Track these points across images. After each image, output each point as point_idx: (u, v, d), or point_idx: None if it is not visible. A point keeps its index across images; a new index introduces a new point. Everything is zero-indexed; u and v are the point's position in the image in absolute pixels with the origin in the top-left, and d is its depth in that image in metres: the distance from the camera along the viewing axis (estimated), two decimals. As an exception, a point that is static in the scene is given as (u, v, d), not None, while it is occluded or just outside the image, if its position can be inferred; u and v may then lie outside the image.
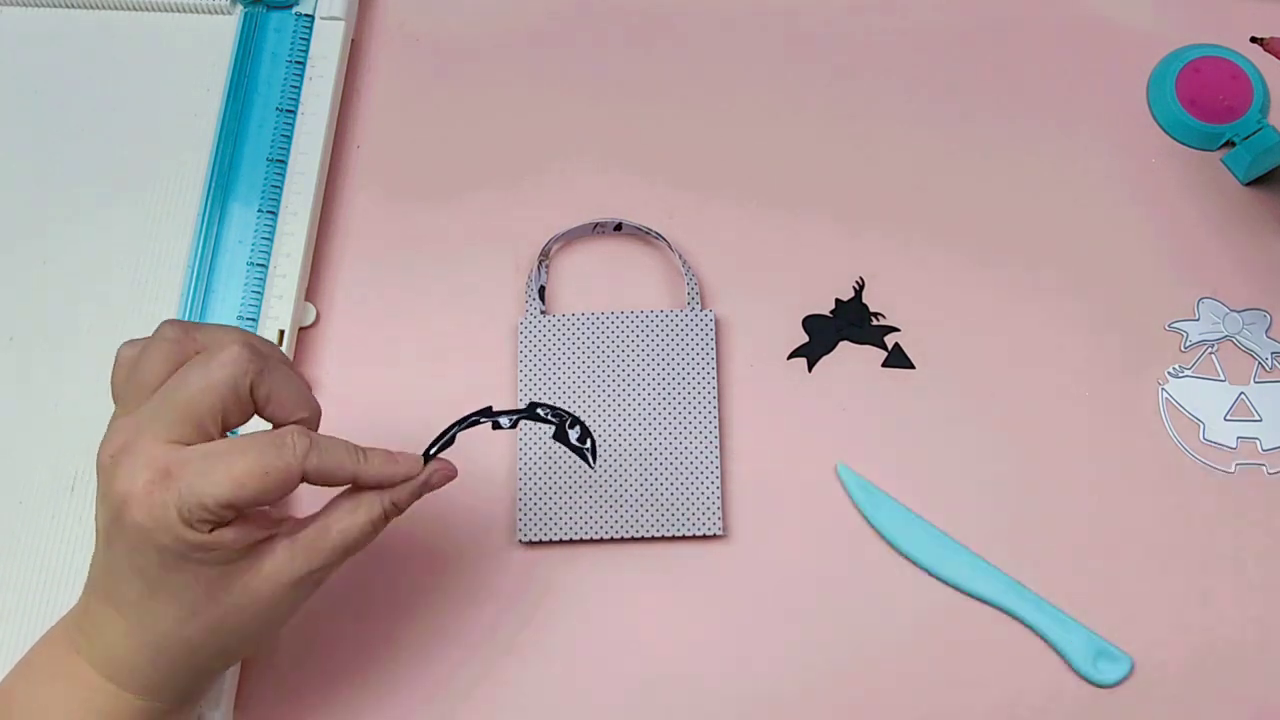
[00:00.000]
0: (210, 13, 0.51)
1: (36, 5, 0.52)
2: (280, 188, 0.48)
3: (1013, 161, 0.50)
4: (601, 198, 0.50)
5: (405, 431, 0.46)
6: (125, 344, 0.34)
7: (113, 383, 0.34)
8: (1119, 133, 0.51)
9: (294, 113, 0.49)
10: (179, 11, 0.52)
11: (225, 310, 0.46)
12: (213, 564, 0.32)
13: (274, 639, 0.35)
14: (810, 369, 0.47)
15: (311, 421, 0.35)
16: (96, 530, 0.34)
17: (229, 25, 0.51)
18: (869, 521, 0.45)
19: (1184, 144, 0.50)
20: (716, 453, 0.45)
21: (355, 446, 0.34)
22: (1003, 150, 0.50)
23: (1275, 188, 0.49)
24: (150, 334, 0.34)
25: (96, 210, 0.49)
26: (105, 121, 0.50)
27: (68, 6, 0.52)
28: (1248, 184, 0.50)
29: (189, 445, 0.31)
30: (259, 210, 0.48)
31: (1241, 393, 0.47)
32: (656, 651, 0.44)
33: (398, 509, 0.35)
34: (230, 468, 0.30)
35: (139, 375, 0.33)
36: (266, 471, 0.31)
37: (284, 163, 0.48)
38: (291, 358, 0.46)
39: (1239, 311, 0.48)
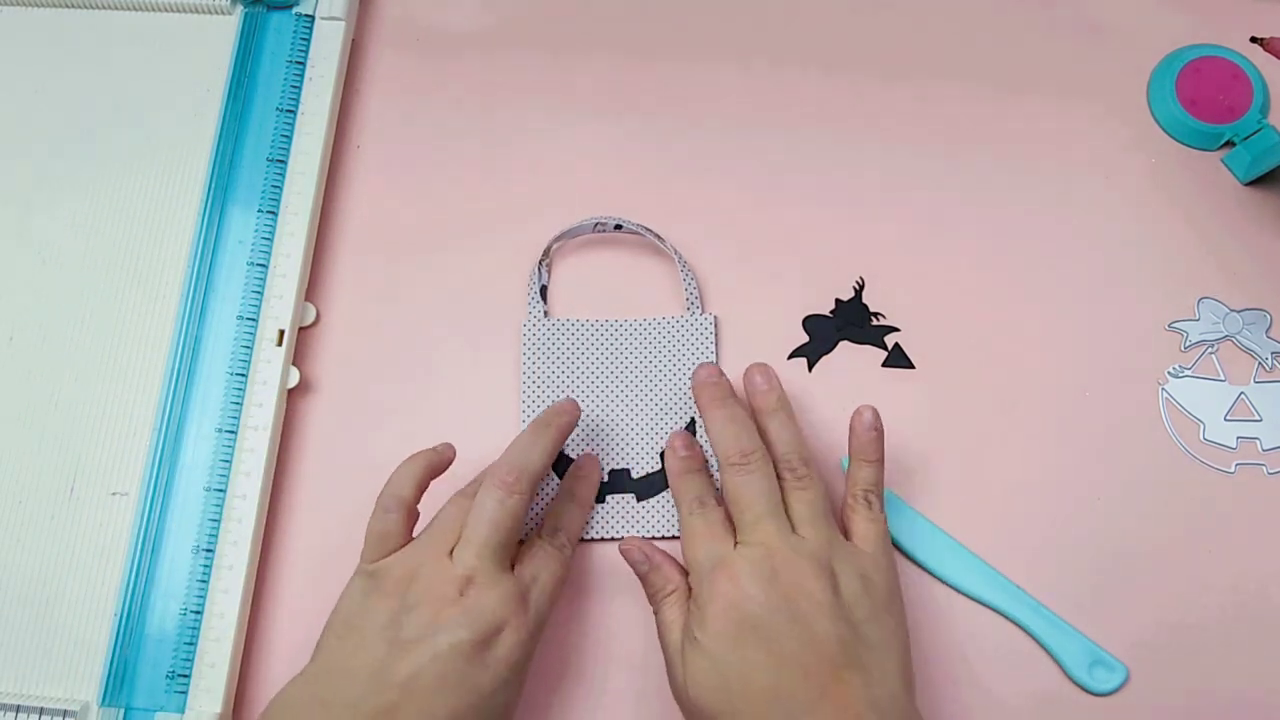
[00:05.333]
0: (210, 13, 0.51)
1: (36, 5, 0.52)
2: (280, 188, 0.48)
3: (1012, 161, 0.50)
4: (602, 197, 0.50)
5: (406, 431, 0.46)
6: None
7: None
8: (1119, 132, 0.51)
9: (294, 113, 0.49)
10: (179, 11, 0.52)
11: (225, 310, 0.46)
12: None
13: None
14: (810, 369, 0.47)
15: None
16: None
17: (229, 25, 0.51)
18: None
19: (1184, 144, 0.50)
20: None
21: (573, 496, 0.44)
22: (1002, 149, 0.50)
23: (1275, 188, 0.49)
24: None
25: (96, 210, 0.49)
26: (105, 121, 0.50)
27: (68, 6, 0.52)
28: (1248, 184, 0.50)
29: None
30: (259, 210, 0.48)
31: (1241, 393, 0.47)
32: (656, 652, 0.44)
33: (573, 545, 0.43)
34: (547, 572, 0.40)
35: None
36: (564, 564, 0.41)
37: (284, 163, 0.48)
38: (291, 357, 0.46)
39: (1239, 311, 0.48)
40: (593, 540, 0.44)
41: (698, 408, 0.43)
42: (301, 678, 0.37)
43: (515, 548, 0.40)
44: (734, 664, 0.36)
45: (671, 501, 0.44)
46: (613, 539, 0.44)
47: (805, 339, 0.48)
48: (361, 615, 0.38)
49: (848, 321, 0.48)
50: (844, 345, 0.48)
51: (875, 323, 0.48)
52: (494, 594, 0.37)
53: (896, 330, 0.48)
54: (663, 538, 0.44)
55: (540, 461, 0.40)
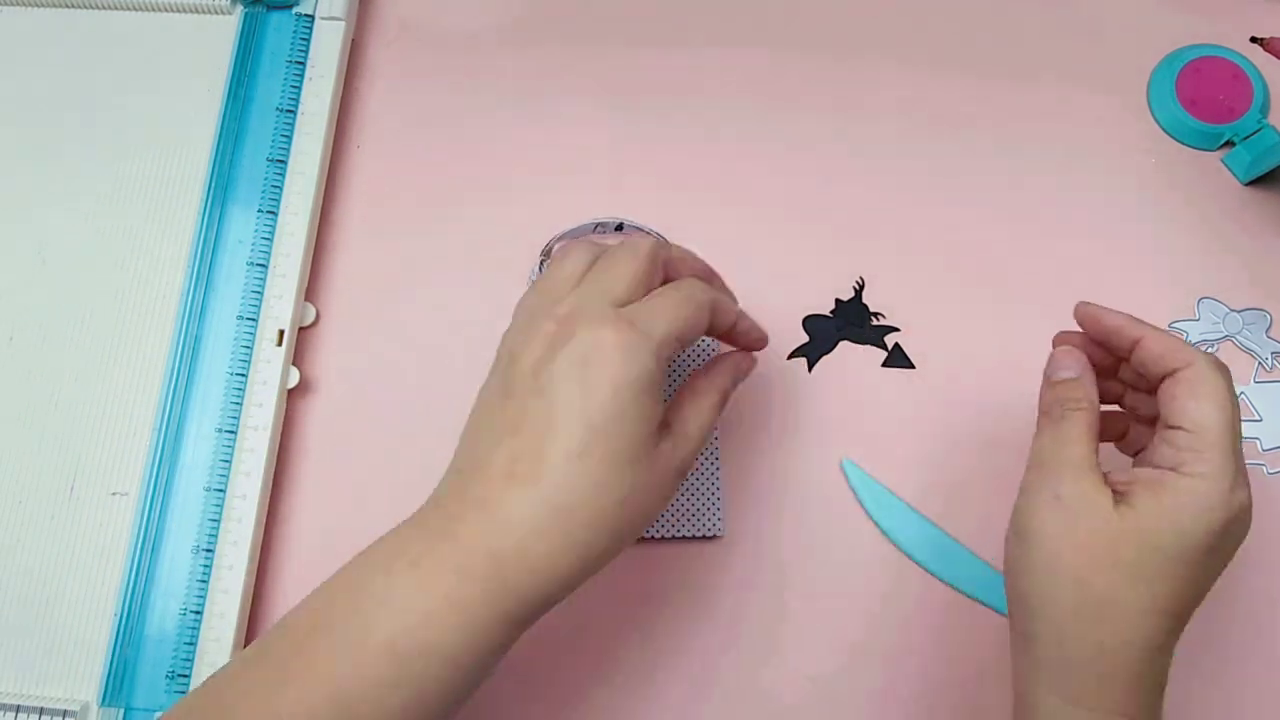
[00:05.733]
0: (210, 13, 0.51)
1: (36, 5, 0.52)
2: (280, 188, 0.48)
3: (1012, 161, 0.50)
4: (602, 197, 0.50)
5: (407, 431, 0.46)
6: (562, 259, 0.37)
7: (542, 286, 0.37)
8: (1119, 133, 0.51)
9: (294, 113, 0.49)
10: (179, 11, 0.52)
11: (225, 310, 0.46)
12: (645, 422, 0.33)
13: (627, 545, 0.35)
14: (810, 369, 0.47)
15: (705, 278, 0.39)
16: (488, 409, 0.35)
17: (229, 25, 0.51)
18: (873, 519, 0.45)
19: (1184, 144, 0.50)
20: (717, 454, 0.45)
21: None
22: (1002, 149, 0.50)
23: (1275, 188, 0.49)
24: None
25: (96, 210, 0.49)
26: (105, 121, 0.50)
27: (68, 6, 0.52)
28: (1248, 184, 0.50)
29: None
30: (259, 210, 0.48)
31: (1241, 393, 0.47)
32: (656, 652, 0.44)
33: (726, 396, 0.39)
34: (666, 309, 0.35)
35: (562, 272, 0.36)
36: (695, 306, 0.35)
37: (284, 163, 0.48)
38: (291, 358, 0.47)
39: (1239, 311, 0.48)
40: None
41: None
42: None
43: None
44: None
45: (671, 502, 0.44)
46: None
47: (805, 339, 0.48)
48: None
49: (848, 321, 0.48)
50: (844, 345, 0.48)
51: (875, 322, 0.48)
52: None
53: (896, 330, 0.48)
54: (662, 538, 0.44)
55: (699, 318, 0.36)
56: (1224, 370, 0.34)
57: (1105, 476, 0.34)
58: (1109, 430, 0.40)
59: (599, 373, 0.32)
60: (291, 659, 0.32)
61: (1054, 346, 0.38)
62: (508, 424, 0.33)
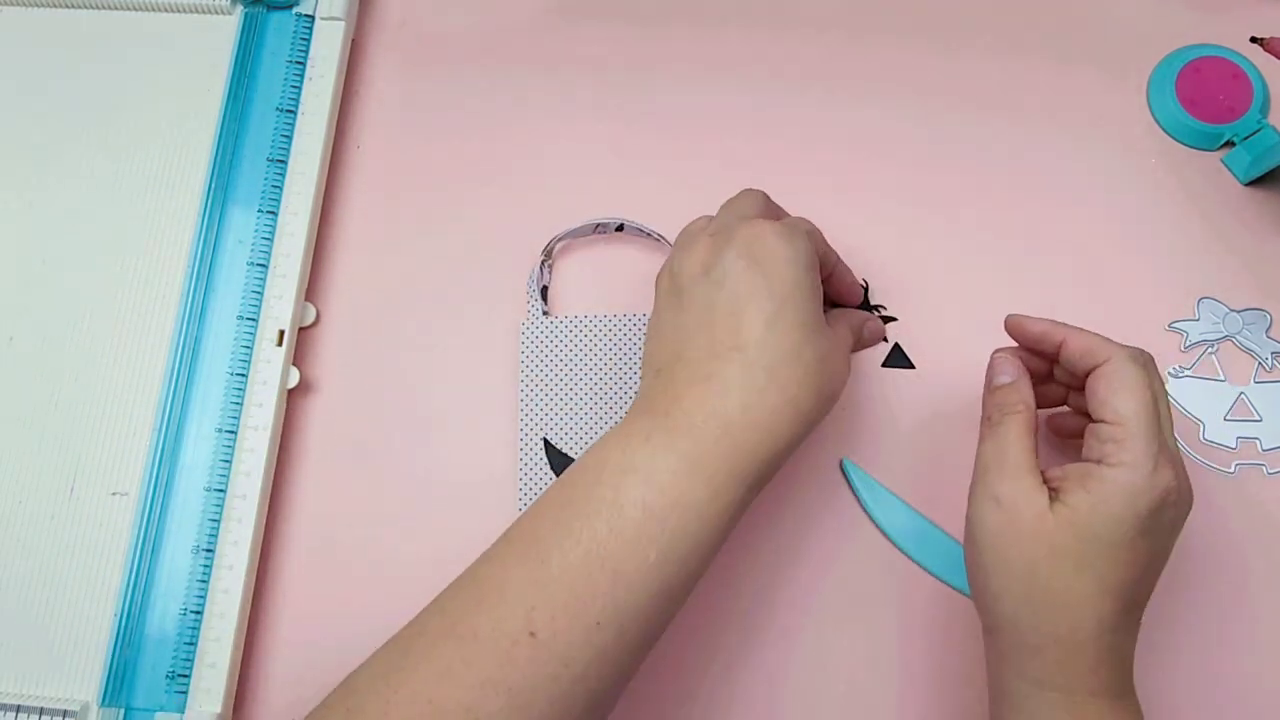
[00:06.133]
0: (210, 13, 0.51)
1: (36, 5, 0.52)
2: (280, 188, 0.48)
3: (1013, 161, 0.50)
4: (603, 198, 0.50)
5: (406, 431, 0.46)
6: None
7: (681, 237, 0.41)
8: (1119, 133, 0.51)
9: (294, 113, 0.49)
10: (179, 11, 0.52)
11: (225, 310, 0.46)
12: (816, 294, 0.38)
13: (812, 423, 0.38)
14: (810, 369, 0.47)
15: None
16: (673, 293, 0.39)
17: (229, 25, 0.51)
18: (873, 519, 0.45)
19: (1184, 144, 0.50)
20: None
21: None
22: (1003, 149, 0.50)
23: (1275, 188, 0.49)
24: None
25: (96, 210, 0.49)
26: (105, 121, 0.50)
27: (68, 6, 0.52)
28: (1248, 184, 0.50)
29: None
30: (259, 210, 0.48)
31: (1241, 393, 0.47)
32: (655, 654, 0.44)
33: (858, 339, 0.45)
34: (797, 221, 0.40)
35: (693, 225, 0.41)
36: (812, 234, 0.40)
37: (284, 163, 0.48)
38: (291, 357, 0.46)
39: (1239, 311, 0.48)
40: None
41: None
42: None
43: None
44: None
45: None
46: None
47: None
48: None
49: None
50: (844, 344, 0.48)
51: (876, 314, 0.48)
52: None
53: (894, 320, 0.48)
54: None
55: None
56: (1143, 359, 0.36)
57: (1043, 474, 0.36)
58: (1067, 429, 0.43)
59: (767, 256, 0.37)
60: (549, 534, 0.34)
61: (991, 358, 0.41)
62: (696, 322, 0.37)
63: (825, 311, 0.40)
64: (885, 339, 0.47)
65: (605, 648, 0.33)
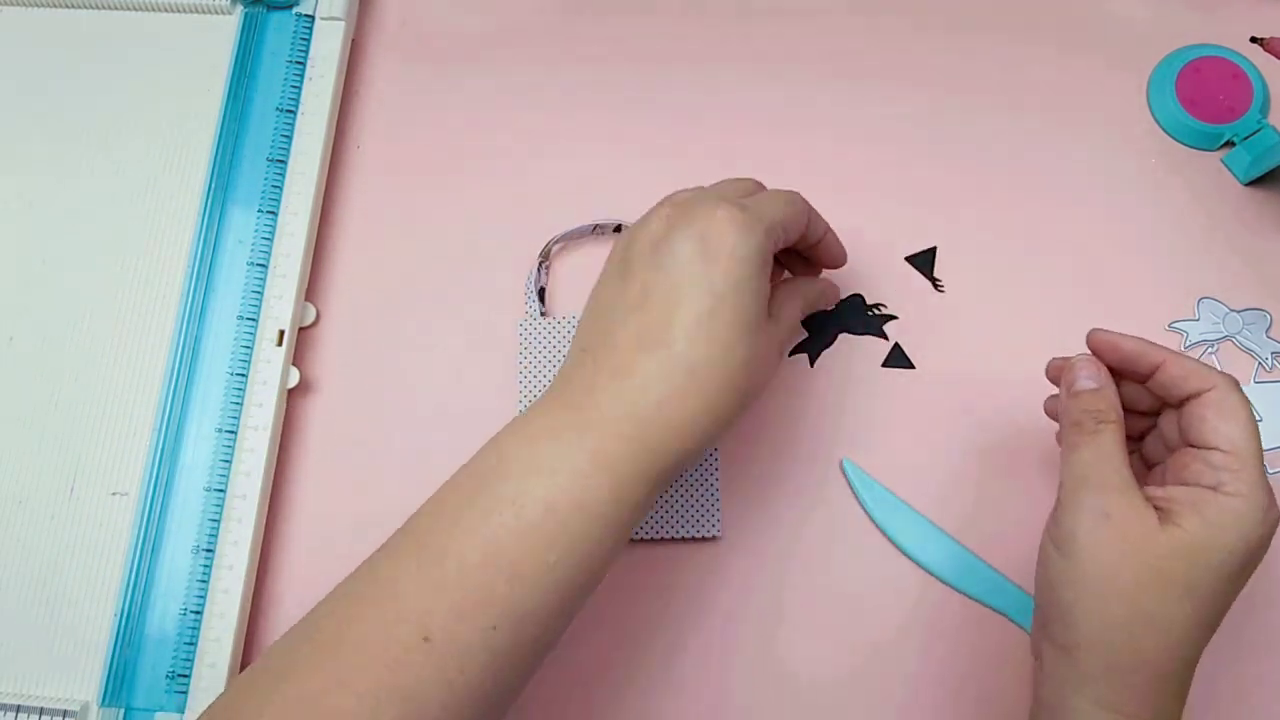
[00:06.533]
0: (210, 13, 0.51)
1: (36, 5, 0.52)
2: (280, 188, 0.48)
3: (1013, 161, 0.50)
4: (603, 198, 0.50)
5: (405, 430, 0.46)
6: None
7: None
8: (1119, 133, 0.51)
9: (294, 113, 0.49)
10: (179, 11, 0.52)
11: (225, 310, 0.46)
12: (760, 295, 0.36)
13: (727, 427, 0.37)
14: (812, 364, 0.47)
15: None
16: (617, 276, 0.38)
17: (229, 25, 0.51)
18: (872, 519, 0.45)
19: (1184, 144, 0.50)
20: (716, 454, 0.45)
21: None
22: (1003, 149, 0.50)
23: (1275, 188, 0.49)
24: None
25: (96, 210, 0.49)
26: (105, 121, 0.50)
27: (68, 6, 0.52)
28: (1248, 184, 0.50)
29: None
30: (259, 210, 0.48)
31: (1241, 393, 0.47)
32: (654, 654, 0.44)
33: (809, 308, 0.43)
34: (774, 202, 0.39)
35: (681, 192, 0.40)
36: (797, 209, 0.39)
37: (284, 163, 0.49)
38: (291, 357, 0.47)
39: (1239, 311, 0.48)
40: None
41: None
42: None
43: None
44: None
45: (669, 502, 0.44)
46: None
47: (804, 337, 0.48)
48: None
49: (847, 316, 0.48)
50: (845, 339, 0.48)
51: (874, 313, 0.48)
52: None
53: (895, 318, 0.48)
54: (661, 539, 0.44)
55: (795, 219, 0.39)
56: (1241, 389, 0.36)
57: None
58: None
59: (717, 246, 0.35)
60: (448, 531, 0.34)
61: (1047, 375, 0.40)
62: (631, 302, 0.36)
63: (778, 286, 0.40)
64: (840, 305, 0.47)
65: (502, 650, 0.32)
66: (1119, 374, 0.38)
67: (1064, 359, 0.39)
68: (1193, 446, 0.35)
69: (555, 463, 0.34)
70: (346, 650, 0.32)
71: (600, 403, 0.35)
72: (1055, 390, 0.40)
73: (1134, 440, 0.40)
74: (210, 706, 0.34)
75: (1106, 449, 0.35)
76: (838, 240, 0.43)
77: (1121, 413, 0.37)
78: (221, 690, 0.41)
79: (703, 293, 0.35)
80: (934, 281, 0.48)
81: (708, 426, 0.35)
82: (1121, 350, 0.37)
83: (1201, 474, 0.34)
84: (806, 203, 0.40)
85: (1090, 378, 0.37)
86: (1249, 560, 0.34)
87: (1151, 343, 0.37)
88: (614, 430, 0.34)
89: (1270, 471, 0.46)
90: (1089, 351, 0.38)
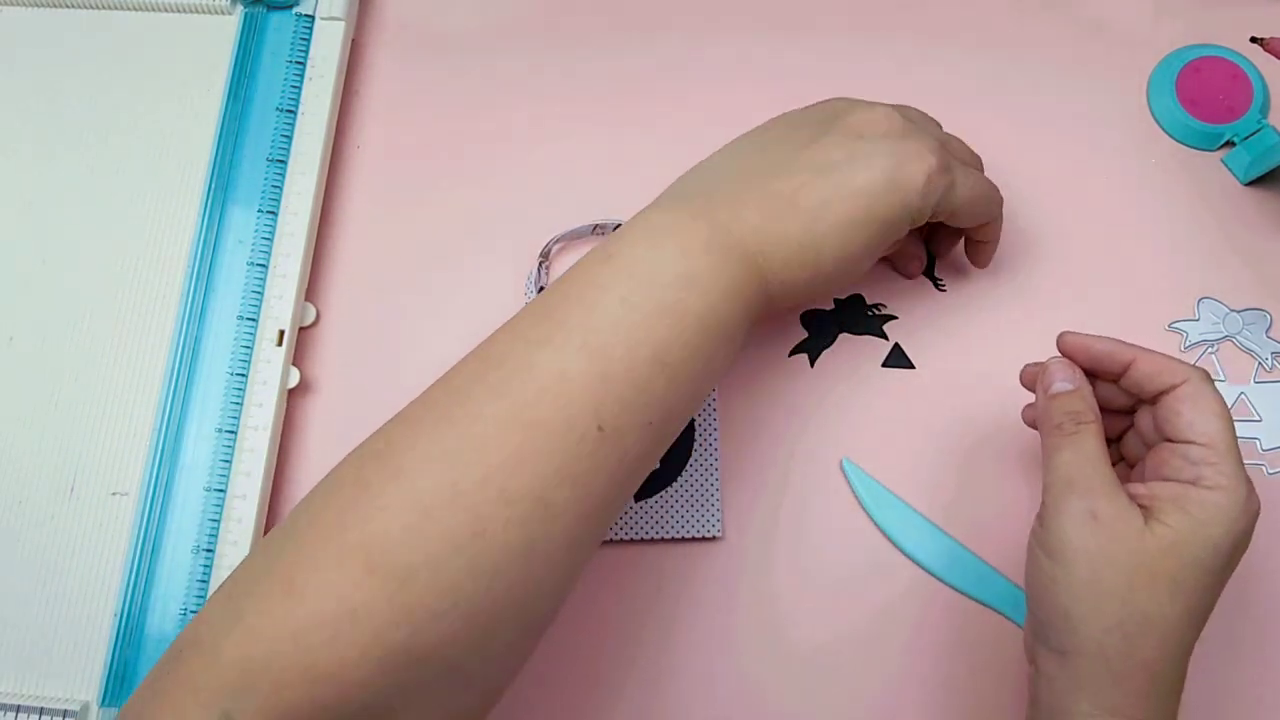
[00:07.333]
0: (210, 13, 0.51)
1: (36, 5, 0.52)
2: (280, 188, 0.48)
3: (1012, 161, 0.50)
4: (603, 198, 0.50)
5: (405, 431, 0.46)
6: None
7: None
8: (1119, 133, 0.51)
9: (294, 113, 0.49)
10: (179, 11, 0.52)
11: (225, 310, 0.46)
12: (892, 236, 0.40)
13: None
14: (812, 364, 0.47)
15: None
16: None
17: (229, 25, 0.51)
18: (873, 519, 0.45)
19: (1184, 144, 0.50)
20: (716, 454, 0.45)
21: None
22: (1002, 150, 0.50)
23: (1275, 188, 0.49)
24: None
25: (96, 210, 0.49)
26: (105, 121, 0.50)
27: (68, 6, 0.52)
28: (1248, 184, 0.50)
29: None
30: (259, 210, 0.48)
31: (1241, 393, 0.47)
32: (654, 654, 0.44)
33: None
34: (978, 185, 0.41)
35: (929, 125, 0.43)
36: (991, 200, 0.43)
37: (284, 163, 0.49)
38: (291, 357, 0.47)
39: (1239, 311, 0.48)
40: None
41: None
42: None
43: None
44: None
45: (669, 502, 0.44)
46: (610, 540, 0.44)
47: (804, 337, 0.48)
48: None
49: (848, 317, 0.48)
50: (845, 339, 0.48)
51: (874, 313, 0.48)
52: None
53: (895, 318, 0.48)
54: (660, 539, 0.44)
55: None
56: (1212, 381, 0.36)
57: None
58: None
59: (905, 185, 0.38)
60: (612, 333, 0.34)
61: (1022, 382, 0.40)
62: (812, 162, 0.38)
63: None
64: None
65: (653, 443, 0.35)
66: (1093, 374, 0.38)
67: (1038, 364, 0.39)
68: (1170, 441, 0.36)
69: (710, 280, 0.35)
70: (519, 433, 0.32)
71: (745, 235, 0.37)
72: (1032, 398, 0.40)
73: (1112, 440, 0.40)
74: (365, 444, 0.35)
75: (1088, 449, 0.36)
76: (994, 250, 0.46)
77: (1099, 412, 0.37)
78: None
79: (864, 206, 0.37)
80: (935, 281, 0.48)
81: (802, 296, 0.39)
82: (1093, 351, 0.38)
83: (1181, 469, 0.35)
84: (1001, 203, 0.43)
85: (1066, 380, 0.38)
86: (1234, 552, 0.34)
87: (1122, 341, 0.38)
88: (749, 264, 0.36)
89: (1270, 471, 0.46)
90: (1060, 355, 0.39)
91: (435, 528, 0.31)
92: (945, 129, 0.51)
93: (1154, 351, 0.37)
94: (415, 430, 0.34)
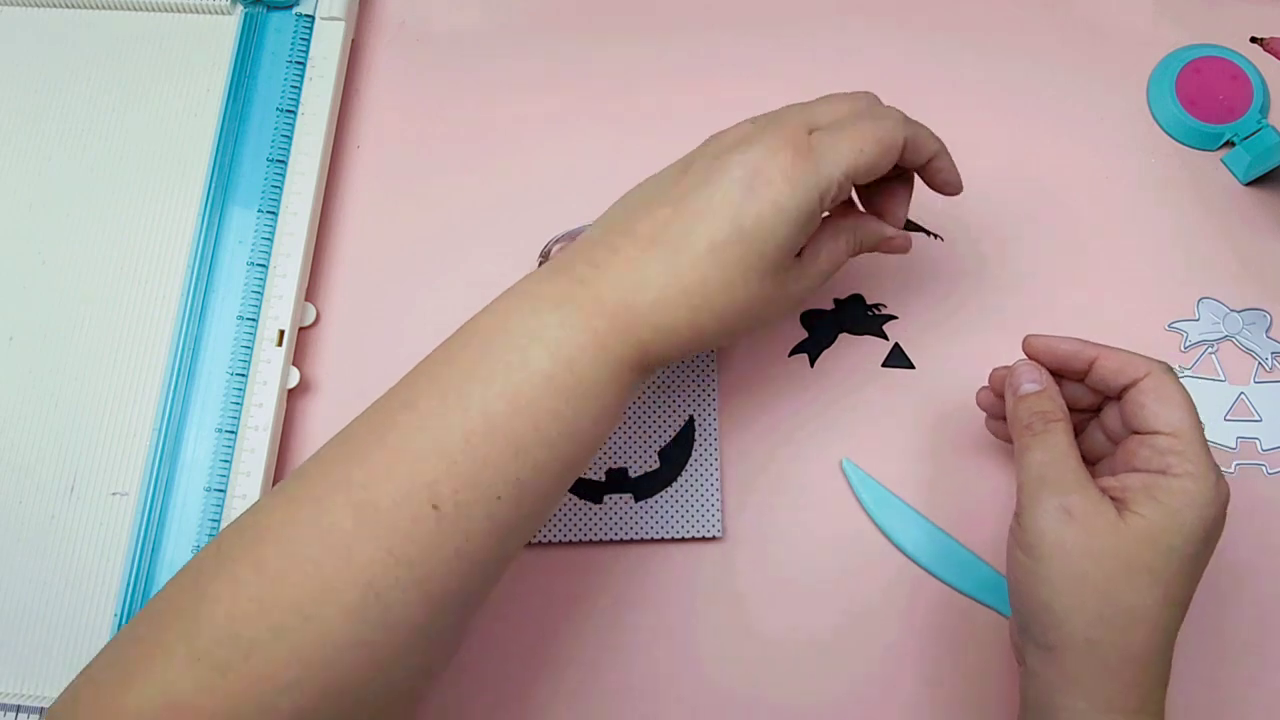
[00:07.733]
0: (210, 13, 0.51)
1: (36, 5, 0.52)
2: (280, 188, 0.48)
3: (1012, 161, 0.50)
4: (603, 198, 0.50)
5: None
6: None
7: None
8: (1119, 133, 0.51)
9: (294, 113, 0.49)
10: (179, 11, 0.52)
11: (225, 310, 0.46)
12: (785, 249, 0.36)
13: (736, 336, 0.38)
14: (812, 364, 0.47)
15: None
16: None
17: (229, 25, 0.51)
18: (873, 519, 0.45)
19: (1184, 144, 0.50)
20: (717, 454, 0.45)
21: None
22: (1002, 150, 0.50)
23: (1275, 188, 0.49)
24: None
25: (96, 210, 0.49)
26: (105, 121, 0.50)
27: (68, 6, 0.52)
28: (1248, 184, 0.50)
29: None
30: (259, 210, 0.48)
31: (1241, 393, 0.47)
32: (655, 655, 0.44)
33: (860, 249, 0.40)
34: (853, 141, 0.36)
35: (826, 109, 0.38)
36: (883, 146, 0.36)
37: (284, 163, 0.49)
38: (291, 358, 0.47)
39: (1239, 311, 0.48)
40: (588, 543, 0.44)
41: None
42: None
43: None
44: None
45: (669, 502, 0.44)
46: (610, 540, 0.44)
47: (805, 338, 0.48)
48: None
49: (848, 317, 0.48)
50: (845, 339, 0.48)
51: (874, 313, 0.48)
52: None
53: (895, 318, 0.48)
54: (660, 539, 0.44)
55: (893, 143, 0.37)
56: (1175, 372, 0.37)
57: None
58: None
59: (763, 188, 0.35)
60: (454, 397, 0.33)
61: (990, 385, 0.41)
62: (674, 195, 0.36)
63: (824, 223, 0.38)
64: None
65: (505, 521, 0.33)
66: (1059, 374, 0.39)
67: (1004, 367, 0.40)
68: (1137, 434, 0.36)
69: (560, 336, 0.34)
70: (350, 512, 0.31)
71: (604, 286, 0.35)
72: (983, 415, 0.41)
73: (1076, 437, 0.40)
74: (217, 537, 0.33)
75: (1058, 447, 0.36)
76: (952, 165, 0.40)
77: (1067, 410, 0.38)
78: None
79: (726, 223, 0.35)
80: (930, 233, 0.46)
81: (687, 341, 0.36)
82: (1058, 351, 0.39)
83: (1149, 459, 0.35)
84: (908, 128, 0.37)
85: (1033, 380, 0.38)
86: (1208, 538, 0.34)
87: (1085, 340, 0.38)
88: (612, 314, 0.34)
89: (1270, 471, 0.46)
90: (1026, 357, 0.39)
91: (264, 619, 0.30)
92: (945, 129, 0.51)
93: (1116, 348, 0.38)
94: (263, 501, 0.34)
